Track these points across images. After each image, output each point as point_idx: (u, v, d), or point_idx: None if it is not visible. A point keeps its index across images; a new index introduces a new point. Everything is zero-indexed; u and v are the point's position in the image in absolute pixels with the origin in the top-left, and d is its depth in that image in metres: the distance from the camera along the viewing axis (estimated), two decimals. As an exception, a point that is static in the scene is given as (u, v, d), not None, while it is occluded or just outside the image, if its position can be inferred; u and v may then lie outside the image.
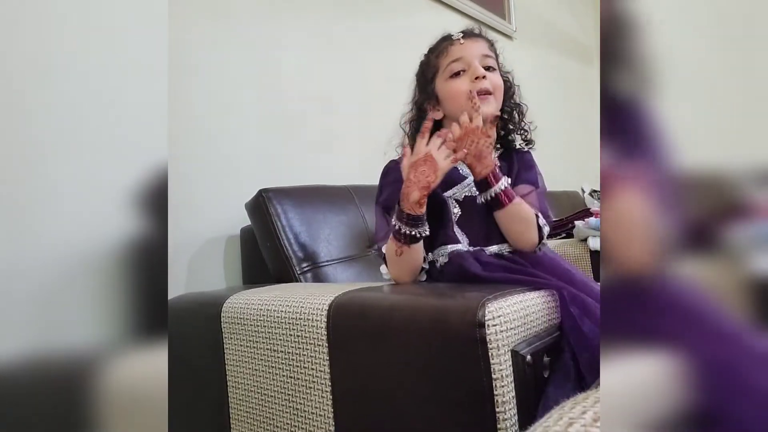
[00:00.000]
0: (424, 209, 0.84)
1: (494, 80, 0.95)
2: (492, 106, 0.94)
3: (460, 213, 0.93)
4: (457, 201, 0.94)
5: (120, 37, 0.59)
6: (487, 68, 0.95)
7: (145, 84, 0.59)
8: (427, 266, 0.92)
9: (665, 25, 0.40)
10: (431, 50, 1.00)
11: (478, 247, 0.91)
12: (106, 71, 0.58)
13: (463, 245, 0.91)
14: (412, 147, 0.87)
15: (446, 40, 0.98)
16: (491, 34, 1.03)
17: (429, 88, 0.98)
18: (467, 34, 0.97)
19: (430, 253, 0.93)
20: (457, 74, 0.95)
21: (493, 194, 0.87)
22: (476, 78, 0.93)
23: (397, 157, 0.96)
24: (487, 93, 0.93)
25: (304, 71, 1.63)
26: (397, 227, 0.85)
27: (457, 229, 0.92)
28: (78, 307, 0.54)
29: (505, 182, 0.88)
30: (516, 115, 1.01)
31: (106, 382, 0.49)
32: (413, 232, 0.84)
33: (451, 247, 0.91)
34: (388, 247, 0.89)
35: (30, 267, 0.55)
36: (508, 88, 1.00)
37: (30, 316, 0.55)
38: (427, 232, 0.86)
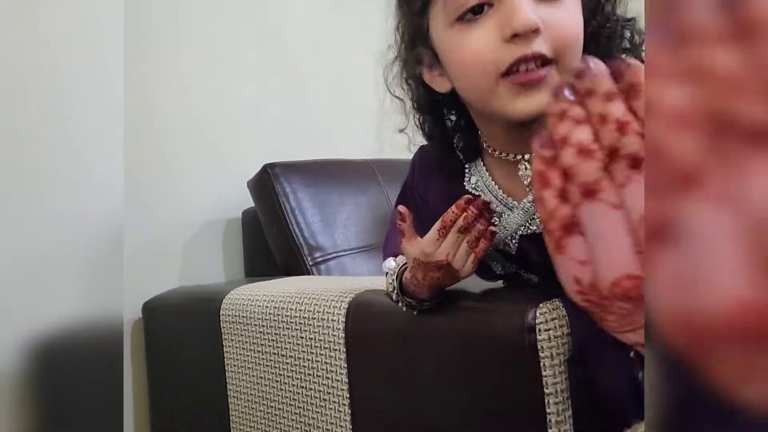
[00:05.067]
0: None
1: (560, 23, 0.48)
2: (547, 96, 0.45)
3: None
4: None
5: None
6: None
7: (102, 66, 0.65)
8: None
9: None
10: None
11: None
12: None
13: None
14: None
15: None
16: None
17: (418, 37, 0.56)
18: None
19: None
20: (474, 13, 0.49)
21: None
22: (514, 35, 0.47)
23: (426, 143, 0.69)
24: (542, 65, 0.48)
25: (313, 27, 1.56)
26: (396, 293, 0.68)
27: None
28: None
29: None
30: (625, 42, 0.56)
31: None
32: (414, 306, 0.69)
33: None
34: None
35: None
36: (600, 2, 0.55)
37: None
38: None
